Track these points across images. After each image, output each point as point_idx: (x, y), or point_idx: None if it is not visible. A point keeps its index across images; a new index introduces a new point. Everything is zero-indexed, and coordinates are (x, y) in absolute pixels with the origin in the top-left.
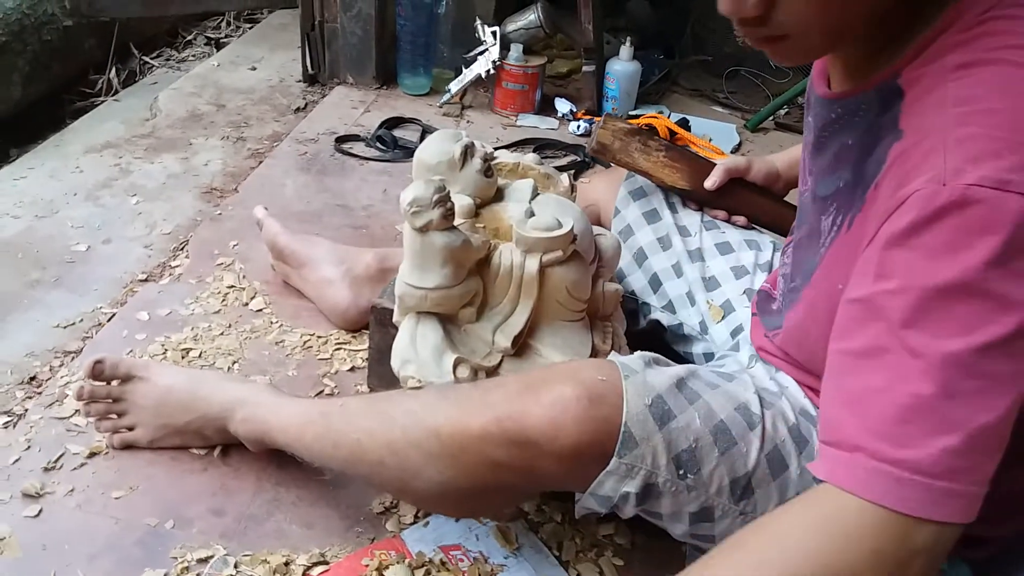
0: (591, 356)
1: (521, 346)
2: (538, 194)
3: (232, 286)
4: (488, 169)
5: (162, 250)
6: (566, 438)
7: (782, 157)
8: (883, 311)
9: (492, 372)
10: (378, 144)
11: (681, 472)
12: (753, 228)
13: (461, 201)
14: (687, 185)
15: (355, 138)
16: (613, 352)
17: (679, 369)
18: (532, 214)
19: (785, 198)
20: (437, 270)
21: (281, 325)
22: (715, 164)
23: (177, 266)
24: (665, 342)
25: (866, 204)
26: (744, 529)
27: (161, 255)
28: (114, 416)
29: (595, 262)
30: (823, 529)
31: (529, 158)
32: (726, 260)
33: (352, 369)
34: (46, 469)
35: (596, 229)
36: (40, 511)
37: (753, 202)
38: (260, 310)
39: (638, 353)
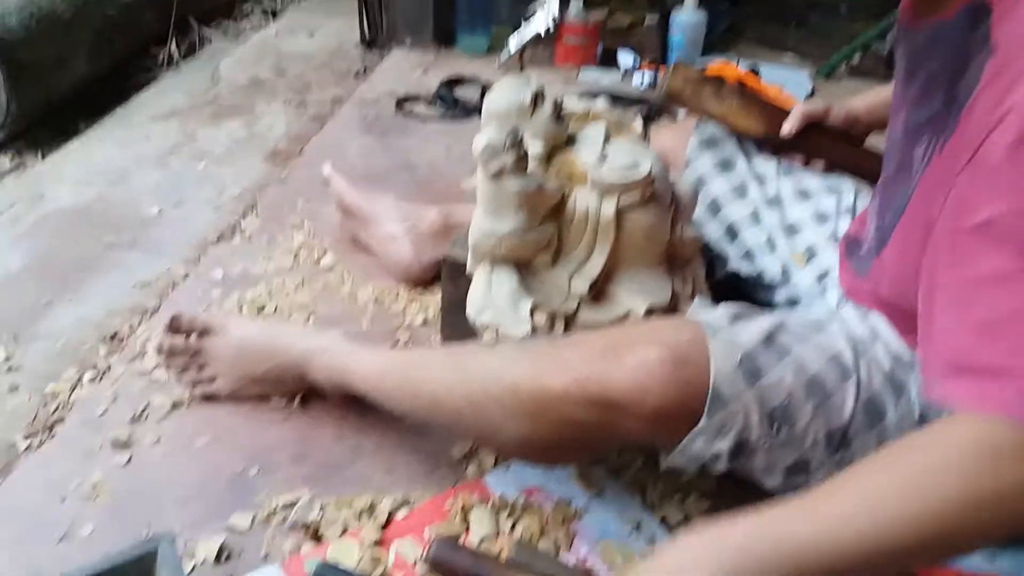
0: (671, 301)
1: (598, 292)
2: (610, 139)
3: (303, 244)
4: (559, 114)
5: (232, 211)
6: (652, 401)
7: (861, 101)
8: (1008, 233)
9: (569, 318)
10: (439, 104)
11: (775, 428)
12: (832, 173)
13: (533, 147)
14: (763, 131)
15: (416, 99)
16: (696, 301)
17: (766, 322)
18: (606, 158)
19: (864, 144)
20: (511, 216)
21: (352, 280)
22: (791, 110)
23: (248, 226)
24: (744, 292)
25: (960, 126)
26: (870, 458)
27: (231, 216)
28: (194, 369)
29: (672, 206)
30: (971, 453)
31: (599, 104)
32: (806, 206)
33: (425, 322)
34: (132, 420)
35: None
36: (129, 459)
37: (832, 148)
38: (331, 267)
39: (722, 307)
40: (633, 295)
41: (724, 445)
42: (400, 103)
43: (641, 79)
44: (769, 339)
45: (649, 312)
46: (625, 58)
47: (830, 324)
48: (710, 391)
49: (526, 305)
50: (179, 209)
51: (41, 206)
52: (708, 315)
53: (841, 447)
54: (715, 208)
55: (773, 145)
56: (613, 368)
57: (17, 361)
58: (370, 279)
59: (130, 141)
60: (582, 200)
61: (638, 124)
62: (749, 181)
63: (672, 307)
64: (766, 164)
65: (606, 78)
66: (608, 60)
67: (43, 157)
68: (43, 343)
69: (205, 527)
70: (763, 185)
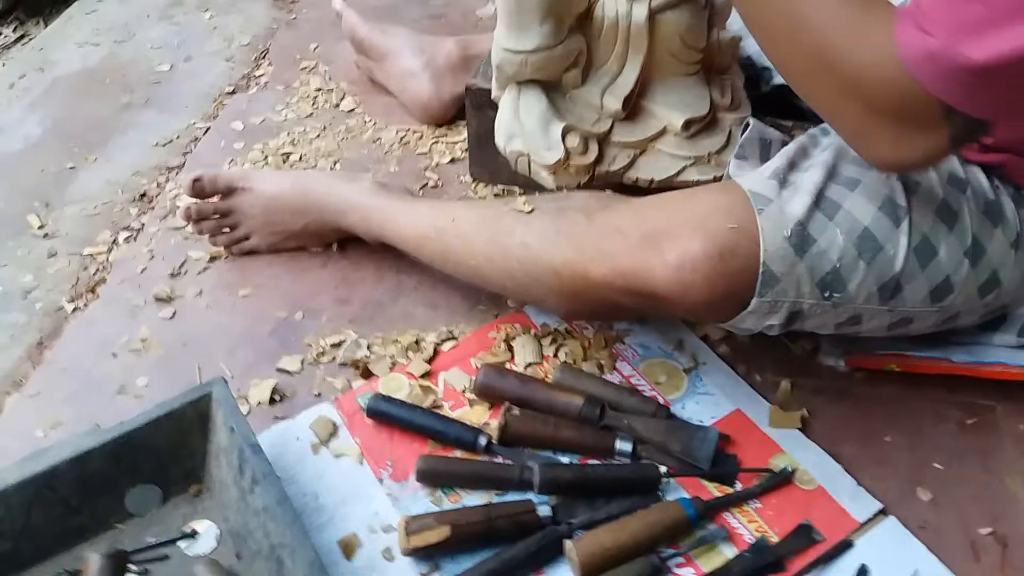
0: (709, 112)
1: (633, 107)
2: None
3: (320, 89)
4: None
5: (244, 61)
6: (696, 296)
7: None
8: None
9: (603, 139)
10: None
11: (827, 294)
12: None
13: None
14: None
15: None
16: (735, 154)
17: (817, 173)
18: None
19: None
20: (536, 29)
21: (375, 123)
22: None
23: (262, 75)
24: (789, 104)
25: None
26: None
27: (244, 66)
28: (227, 230)
29: (707, 7)
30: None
31: None
32: None
33: (452, 161)
34: (172, 275)
35: None
36: (174, 313)
37: None
38: (352, 110)
39: (770, 164)
40: (670, 109)
41: (776, 319)
42: None
43: None
44: (820, 197)
45: (687, 125)
46: None
47: None
48: (760, 275)
49: (557, 128)
50: (190, 63)
51: (51, 72)
52: (756, 181)
53: (893, 295)
54: None
55: None
56: (654, 262)
57: (51, 227)
58: (392, 120)
59: None
60: (611, 5)
61: None
62: None
63: (711, 118)
64: None
65: None
66: None
67: (45, 24)
68: (74, 208)
69: (256, 372)
70: None
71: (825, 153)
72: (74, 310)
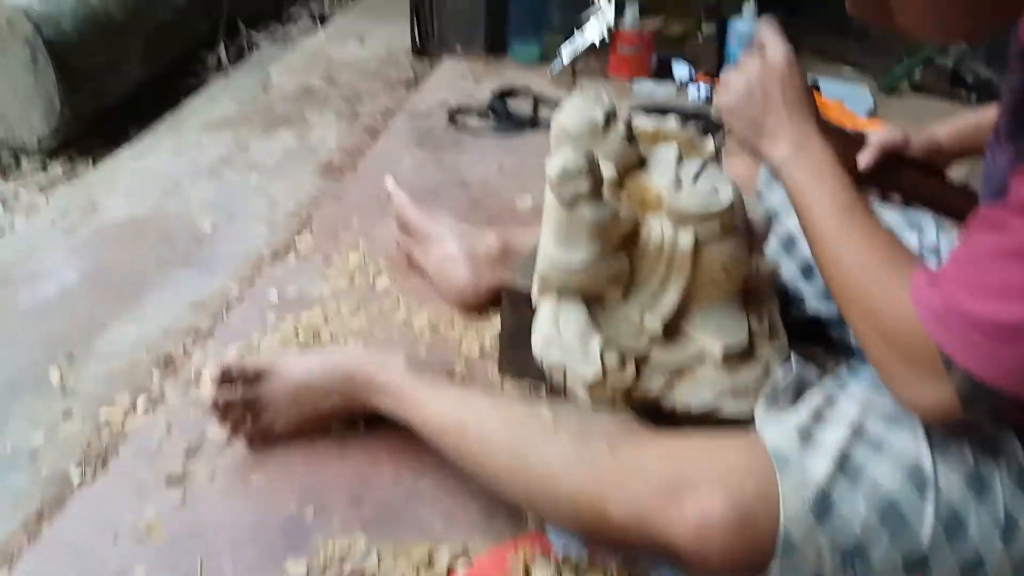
0: (747, 339)
1: (672, 329)
2: (683, 161)
3: (359, 265)
4: (631, 134)
5: (286, 228)
6: (714, 557)
7: (943, 128)
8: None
9: (641, 359)
10: (492, 116)
11: (848, 565)
12: (911, 207)
13: (606, 170)
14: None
15: (468, 111)
16: (763, 401)
17: (841, 431)
18: (681, 184)
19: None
20: (584, 246)
21: (408, 306)
22: (866, 136)
23: (302, 245)
24: (823, 332)
25: None
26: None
27: (285, 233)
28: (250, 419)
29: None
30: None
31: (670, 123)
32: None
33: (481, 353)
34: (187, 453)
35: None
36: (183, 498)
37: (913, 181)
38: (387, 290)
39: (794, 414)
40: (708, 334)
41: None
42: (452, 115)
43: (697, 92)
44: (843, 461)
45: (726, 355)
46: (680, 70)
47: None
48: (780, 541)
49: (596, 344)
50: (233, 224)
51: (95, 216)
52: (779, 436)
53: (921, 569)
54: (790, 244)
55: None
56: (674, 514)
57: (72, 384)
58: (425, 304)
59: (183, 150)
60: (656, 229)
61: (710, 144)
62: None
63: (749, 347)
64: None
65: (660, 90)
66: (662, 70)
67: (95, 165)
68: (97, 365)
69: (260, 574)
70: None
71: (851, 406)
72: (80, 483)
